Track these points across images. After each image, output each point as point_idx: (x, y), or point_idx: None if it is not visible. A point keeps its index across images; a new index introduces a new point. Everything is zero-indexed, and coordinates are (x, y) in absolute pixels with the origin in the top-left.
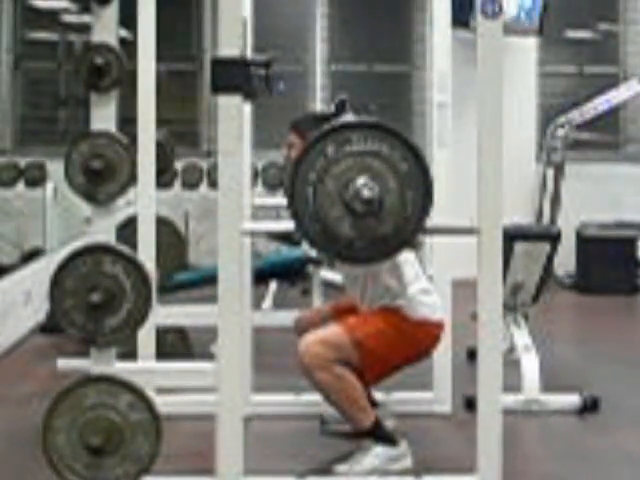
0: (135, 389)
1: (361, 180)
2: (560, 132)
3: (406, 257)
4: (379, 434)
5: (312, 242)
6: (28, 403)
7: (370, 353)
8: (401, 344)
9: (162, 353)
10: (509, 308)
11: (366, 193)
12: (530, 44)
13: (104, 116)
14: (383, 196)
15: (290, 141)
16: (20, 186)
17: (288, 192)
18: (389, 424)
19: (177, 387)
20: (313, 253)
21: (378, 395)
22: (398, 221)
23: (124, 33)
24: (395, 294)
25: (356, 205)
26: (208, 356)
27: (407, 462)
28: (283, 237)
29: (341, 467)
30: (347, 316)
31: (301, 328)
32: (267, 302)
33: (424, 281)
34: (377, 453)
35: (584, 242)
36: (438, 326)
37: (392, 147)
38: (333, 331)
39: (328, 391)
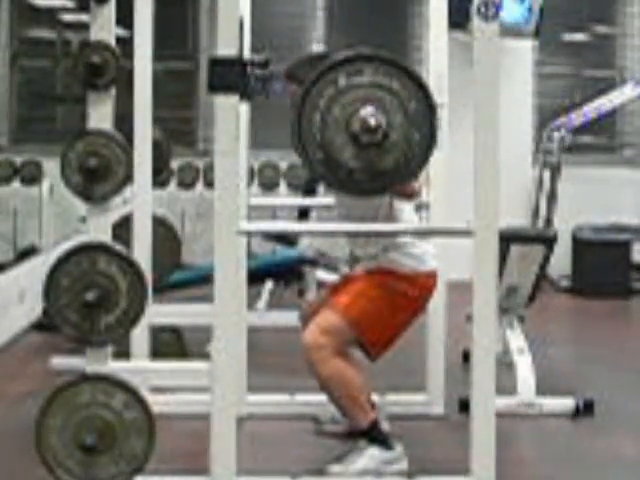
0: (129, 388)
1: (368, 109)
2: (556, 135)
3: (402, 207)
4: (375, 435)
5: (314, 170)
6: (22, 401)
7: (368, 329)
8: (396, 308)
9: (156, 352)
10: (504, 310)
11: (372, 122)
12: (527, 47)
13: (101, 115)
14: (388, 130)
15: (292, 91)
16: (16, 184)
17: (296, 117)
18: (385, 426)
19: (171, 386)
20: (309, 253)
21: (372, 397)
22: (400, 157)
23: (121, 32)
24: (386, 243)
25: (360, 134)
26: (203, 356)
27: (402, 465)
28: (279, 237)
29: (335, 467)
30: (340, 291)
31: (305, 320)
32: (262, 302)
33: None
34: (372, 455)
35: (579, 245)
36: (429, 276)
37: (403, 84)
38: (328, 318)
39: (330, 386)
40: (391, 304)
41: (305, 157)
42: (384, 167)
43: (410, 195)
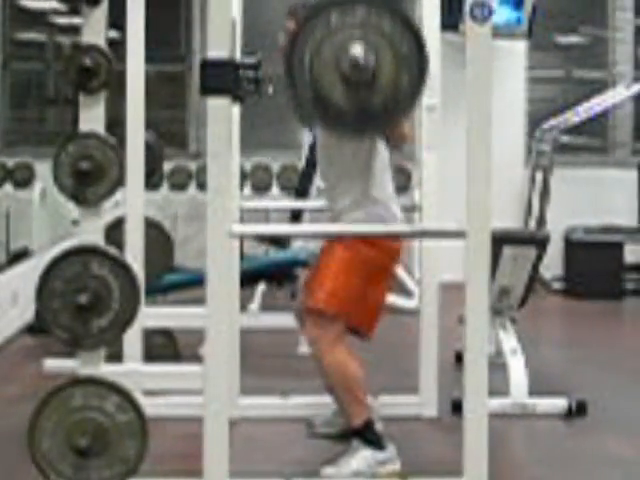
0: (122, 391)
1: (358, 48)
2: (548, 136)
3: (381, 154)
4: (369, 435)
5: (303, 108)
6: (15, 404)
7: (352, 314)
8: (372, 281)
9: (149, 355)
10: (496, 312)
11: (361, 60)
12: (519, 48)
13: (93, 117)
14: (378, 69)
15: (287, 27)
16: (8, 187)
17: (287, 56)
18: (378, 427)
19: (164, 389)
20: (302, 256)
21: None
22: (389, 98)
23: (113, 34)
24: (358, 197)
25: (350, 72)
26: (195, 358)
27: (395, 466)
28: (271, 239)
29: (328, 469)
30: (315, 278)
31: (300, 317)
32: (255, 304)
33: (388, 190)
34: (364, 456)
35: (572, 246)
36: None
37: (394, 26)
38: (314, 317)
39: (332, 379)
40: (366, 280)
41: (295, 96)
42: (373, 107)
43: (399, 139)
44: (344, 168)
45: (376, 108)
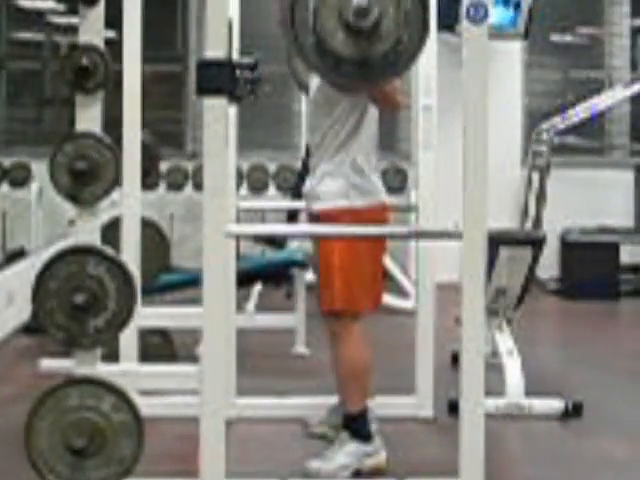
0: (118, 391)
1: None
2: (545, 136)
3: (372, 130)
4: (360, 425)
5: (304, 54)
6: (11, 404)
7: (358, 301)
8: (366, 258)
9: (145, 355)
10: (493, 312)
11: (364, 5)
12: (515, 48)
13: (89, 117)
14: (380, 19)
15: None
16: (4, 186)
17: (290, 2)
18: (374, 427)
19: (160, 389)
20: (298, 256)
21: None
22: (389, 49)
23: (110, 34)
24: (344, 156)
25: (352, 19)
26: (191, 358)
27: (381, 457)
28: (268, 239)
29: (315, 463)
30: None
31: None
32: (251, 304)
33: (372, 162)
34: (350, 450)
35: (568, 247)
36: (381, 209)
37: None
38: (330, 323)
39: (342, 367)
40: (362, 259)
41: (296, 43)
42: (373, 56)
43: (391, 103)
44: (333, 128)
45: (376, 58)
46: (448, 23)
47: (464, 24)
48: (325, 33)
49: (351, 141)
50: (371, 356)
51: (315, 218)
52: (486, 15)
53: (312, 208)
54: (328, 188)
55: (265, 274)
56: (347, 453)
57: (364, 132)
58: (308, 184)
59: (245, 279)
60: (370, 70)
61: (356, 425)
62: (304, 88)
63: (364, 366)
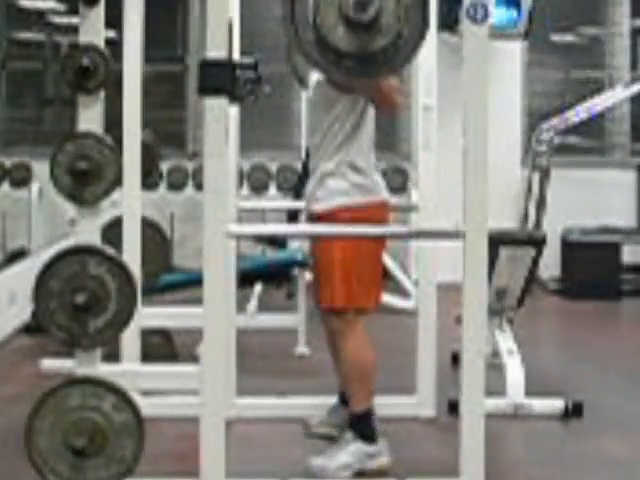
0: (119, 391)
1: None
2: (546, 136)
3: (369, 130)
4: (365, 426)
5: (304, 50)
6: (12, 404)
7: (358, 298)
8: (367, 256)
9: (146, 355)
10: (494, 312)
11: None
12: (516, 48)
13: (90, 117)
14: (380, 13)
15: None
16: (5, 186)
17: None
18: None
19: (161, 389)
20: (299, 256)
21: None
22: (389, 44)
23: (110, 34)
24: (342, 158)
25: (352, 11)
26: (192, 358)
27: (384, 460)
28: (268, 240)
29: (317, 460)
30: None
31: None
32: (252, 304)
33: (371, 161)
34: (353, 449)
35: (569, 247)
36: (382, 206)
37: None
38: (331, 320)
39: (347, 367)
40: (362, 257)
41: (297, 38)
42: (373, 51)
43: (390, 104)
44: (331, 129)
45: (376, 52)
46: (448, 23)
47: (465, 24)
48: (325, 28)
49: (350, 141)
50: (375, 356)
51: (315, 219)
52: (487, 15)
53: (312, 209)
54: (328, 189)
55: (266, 274)
56: (350, 452)
57: (363, 132)
58: (309, 187)
59: (246, 279)
60: (370, 64)
61: (360, 425)
62: (304, 84)
63: (369, 364)
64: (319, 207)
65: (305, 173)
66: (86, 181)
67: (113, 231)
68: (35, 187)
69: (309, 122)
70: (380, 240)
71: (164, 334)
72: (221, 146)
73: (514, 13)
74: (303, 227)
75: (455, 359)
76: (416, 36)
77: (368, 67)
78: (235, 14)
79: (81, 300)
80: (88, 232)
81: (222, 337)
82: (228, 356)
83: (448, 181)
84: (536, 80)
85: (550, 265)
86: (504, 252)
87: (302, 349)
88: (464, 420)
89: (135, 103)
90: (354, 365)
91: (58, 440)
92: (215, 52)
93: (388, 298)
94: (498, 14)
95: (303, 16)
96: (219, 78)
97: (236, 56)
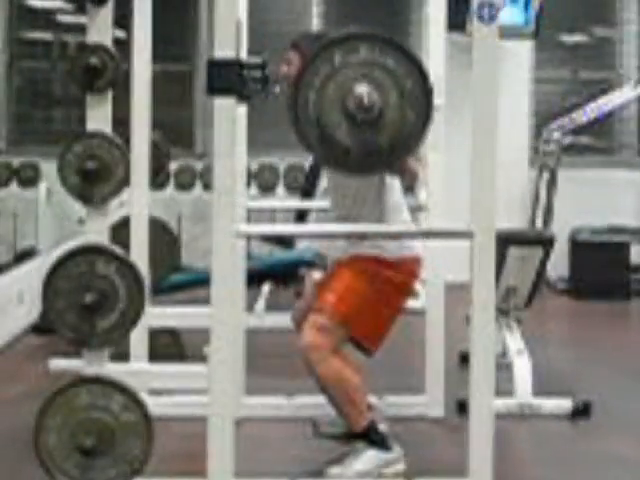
0: (127, 390)
1: (363, 87)
2: (554, 136)
3: (392, 184)
4: (373, 437)
5: (309, 147)
6: (20, 403)
7: (359, 325)
8: (384, 298)
9: (155, 355)
10: (502, 312)
11: (365, 100)
12: (525, 48)
13: (99, 117)
14: (383, 108)
15: (289, 58)
16: (13, 186)
17: (292, 96)
18: (383, 427)
19: (169, 389)
20: (307, 256)
21: (371, 398)
22: (395, 135)
23: (119, 33)
24: (374, 221)
25: (355, 111)
26: (201, 358)
27: (400, 466)
28: (277, 239)
29: (334, 470)
30: (326, 287)
31: (297, 321)
32: (260, 304)
33: (404, 213)
34: (370, 456)
35: (577, 247)
36: (414, 261)
37: (398, 62)
38: (318, 320)
39: (328, 385)
40: (378, 294)
41: (301, 135)
42: (379, 146)
43: (410, 178)
44: (356, 201)
45: (382, 147)
46: (458, 23)
47: (474, 24)
48: (329, 127)
49: (377, 210)
50: (353, 374)
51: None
52: (496, 15)
53: (341, 258)
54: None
55: (274, 274)
56: (367, 459)
57: (388, 197)
58: (338, 251)
59: (254, 279)
60: (377, 158)
61: (369, 438)
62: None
63: (348, 381)
64: (349, 252)
65: (312, 173)
66: (94, 181)
67: (122, 231)
68: (43, 187)
69: (332, 199)
70: (404, 293)
71: (172, 334)
72: (230, 146)
73: (523, 13)
74: (311, 227)
75: (463, 359)
76: (422, 123)
77: (375, 161)
78: (243, 13)
79: (89, 300)
80: (96, 232)
81: (230, 337)
82: (236, 356)
83: (456, 181)
84: (545, 80)
85: (558, 265)
86: (512, 252)
87: None
88: (473, 420)
89: (143, 103)
90: (337, 387)
91: (66, 439)
92: (223, 52)
93: None
94: (507, 14)
95: (306, 113)
96: (227, 78)
97: (244, 56)
